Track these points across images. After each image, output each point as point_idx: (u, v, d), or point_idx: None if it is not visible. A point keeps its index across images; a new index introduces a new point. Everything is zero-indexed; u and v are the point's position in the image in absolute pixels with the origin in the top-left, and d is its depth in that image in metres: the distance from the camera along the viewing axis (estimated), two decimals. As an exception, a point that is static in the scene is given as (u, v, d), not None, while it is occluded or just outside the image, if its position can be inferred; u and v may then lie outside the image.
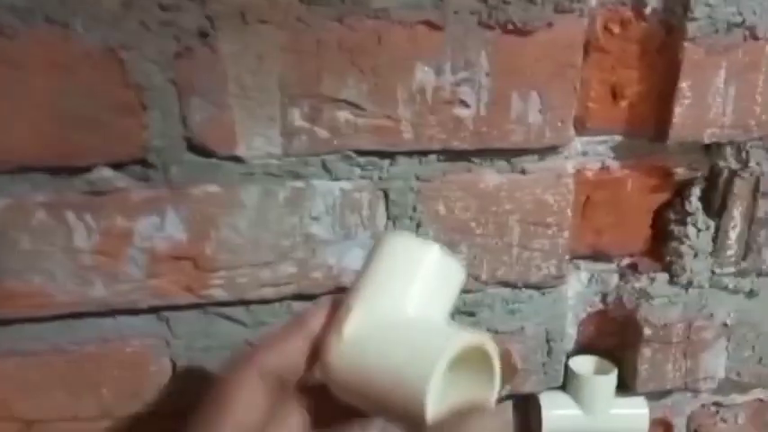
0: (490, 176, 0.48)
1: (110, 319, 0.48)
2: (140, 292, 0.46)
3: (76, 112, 0.42)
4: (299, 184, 0.46)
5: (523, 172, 0.48)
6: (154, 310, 0.48)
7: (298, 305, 0.49)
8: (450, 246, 0.48)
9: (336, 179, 0.46)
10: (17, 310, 0.45)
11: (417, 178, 0.47)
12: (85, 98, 0.41)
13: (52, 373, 0.48)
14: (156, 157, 0.43)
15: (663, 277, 0.53)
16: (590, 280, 0.55)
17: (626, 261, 0.54)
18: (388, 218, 0.47)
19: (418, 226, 0.47)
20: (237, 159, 0.44)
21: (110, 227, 0.44)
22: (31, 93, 0.41)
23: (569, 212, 0.49)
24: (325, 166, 0.46)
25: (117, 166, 0.44)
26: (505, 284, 0.50)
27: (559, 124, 0.46)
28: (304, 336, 0.32)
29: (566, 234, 0.49)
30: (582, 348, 0.56)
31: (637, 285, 0.53)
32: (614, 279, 0.54)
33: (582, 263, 0.54)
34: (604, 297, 0.55)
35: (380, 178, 0.46)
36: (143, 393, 0.49)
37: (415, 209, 0.47)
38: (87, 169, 0.43)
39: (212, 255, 0.46)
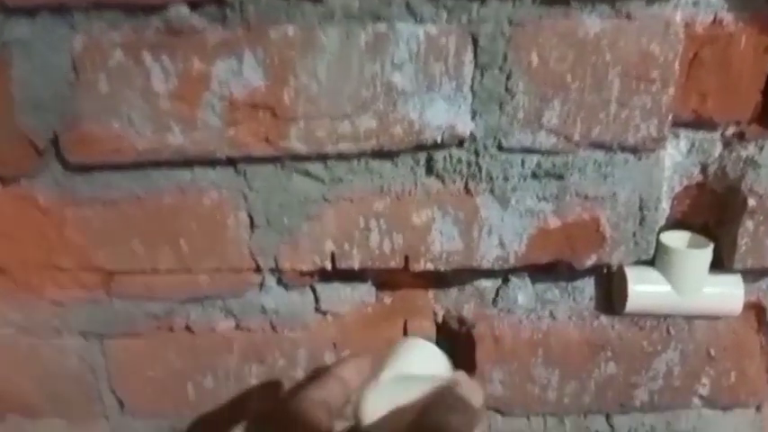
0: (591, 22, 0.43)
1: (187, 170, 0.47)
2: (218, 141, 0.45)
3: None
4: (381, 27, 0.42)
5: (629, 17, 0.43)
6: (231, 162, 0.46)
7: (377, 164, 0.47)
8: (543, 101, 0.45)
9: (421, 22, 0.43)
10: (96, 155, 0.45)
11: (510, 22, 0.43)
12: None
13: (130, 222, 0.48)
14: (233, -6, 0.41)
15: (774, 145, 0.48)
16: (690, 149, 0.50)
17: (732, 129, 0.49)
18: (476, 66, 0.44)
19: (508, 78, 0.44)
20: (317, -2, 0.42)
21: (187, 70, 0.43)
22: None
23: (677, 66, 0.44)
24: (409, 7, 0.42)
25: (193, 5, 0.42)
26: (599, 146, 0.46)
27: (676, -43, 0.41)
28: (341, 382, 0.39)
29: (670, 91, 0.45)
30: (675, 225, 0.52)
31: (743, 154, 0.49)
32: (717, 148, 0.50)
33: (681, 131, 0.50)
34: (704, 168, 0.50)
35: (469, 21, 0.43)
36: (221, 248, 0.49)
37: (505, 58, 0.43)
38: (163, 7, 0.41)
39: (290, 104, 0.44)
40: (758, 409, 0.57)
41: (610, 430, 0.58)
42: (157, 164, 0.46)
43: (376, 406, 0.38)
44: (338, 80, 0.43)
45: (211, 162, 0.46)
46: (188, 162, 0.46)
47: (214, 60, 0.42)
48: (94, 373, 0.56)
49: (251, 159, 0.46)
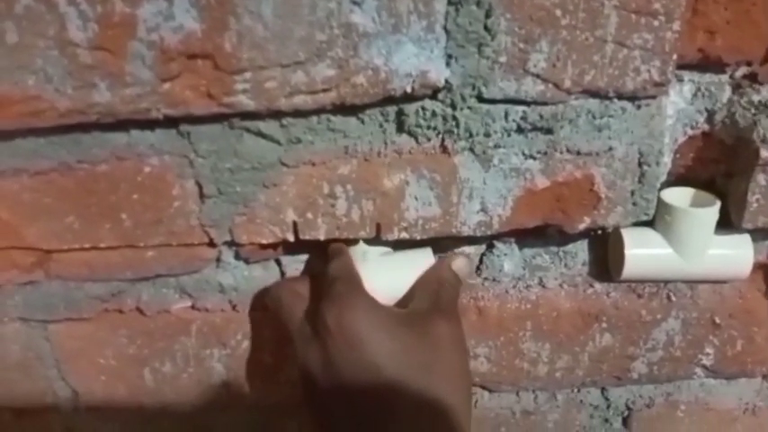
0: (583, -55, 0.37)
1: (122, 133, 0.41)
2: (152, 98, 0.38)
3: None
4: (337, -44, 0.36)
5: (628, -62, 0.37)
6: (172, 122, 0.40)
7: (340, 120, 0.41)
8: (528, 42, 0.38)
9: (384, -51, 0.36)
10: (12, 118, 0.39)
11: (488, -53, 0.36)
12: None
13: (63, 195, 0.43)
14: None
15: (790, 88, 0.42)
16: (695, 94, 0.44)
17: (742, 70, 0.44)
18: (450, 3, 0.37)
19: (487, 14, 0.38)
20: None
21: (108, 13, 0.36)
22: None
23: (683, -5, 0.38)
24: (368, -69, 0.36)
25: (109, -67, 0.35)
26: (594, 93, 0.41)
27: None
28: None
29: (675, 26, 0.39)
30: (676, 181, 0.47)
31: (755, 98, 0.43)
32: (726, 92, 0.44)
33: (686, 73, 0.44)
34: (711, 115, 0.45)
35: (440, -53, 0.36)
36: (167, 220, 0.43)
37: (484, -9, 0.37)
38: (73, -63, 0.35)
39: (233, 51, 0.37)
40: (765, 377, 0.53)
41: (605, 403, 0.54)
42: (86, 127, 0.40)
43: (370, 273, 0.42)
44: (287, 21, 0.37)
45: (149, 123, 0.40)
46: (121, 124, 0.40)
47: (139, 1, 0.36)
48: (42, 361, 0.51)
49: (194, 119, 0.40)
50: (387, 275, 0.44)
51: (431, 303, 0.41)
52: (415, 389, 0.37)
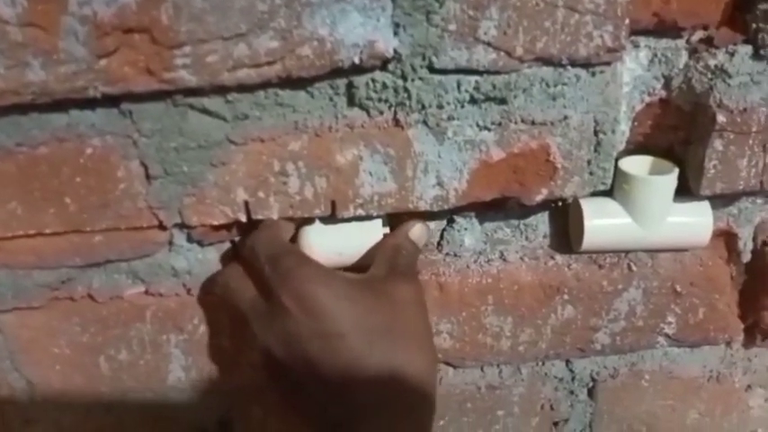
0: None
1: (61, 114, 0.40)
2: (88, 76, 0.37)
3: None
4: None
5: None
6: (112, 101, 0.39)
7: (287, 95, 0.40)
8: (477, 8, 0.37)
9: None
10: (-58, 100, 0.37)
11: None
12: None
13: (4, 180, 0.41)
14: None
15: (745, 51, 0.42)
16: (651, 61, 0.44)
17: (698, 35, 0.43)
18: (394, -31, 0.36)
19: (434, -19, 0.36)
20: None
21: (35, -13, 0.34)
22: None
23: (634, -43, 0.37)
24: None
25: None
26: (546, 61, 0.40)
27: None
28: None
29: (627, -12, 0.38)
30: (635, 149, 0.47)
31: (711, 63, 0.42)
32: (682, 58, 0.44)
33: (642, 39, 0.43)
34: (668, 81, 0.44)
35: None
36: (114, 203, 0.42)
37: (428, -45, 0.36)
38: None
39: (171, 24, 0.36)
40: (728, 344, 0.53)
41: (570, 375, 0.54)
42: (24, 108, 0.38)
43: (317, 240, 0.43)
44: (226, -8, 0.35)
45: (88, 102, 0.39)
46: (60, 104, 0.38)
47: (68, -27, 0.34)
48: (-5, 351, 0.49)
49: (135, 96, 0.38)
50: (332, 241, 0.44)
51: (389, 268, 0.41)
52: (379, 353, 0.38)
